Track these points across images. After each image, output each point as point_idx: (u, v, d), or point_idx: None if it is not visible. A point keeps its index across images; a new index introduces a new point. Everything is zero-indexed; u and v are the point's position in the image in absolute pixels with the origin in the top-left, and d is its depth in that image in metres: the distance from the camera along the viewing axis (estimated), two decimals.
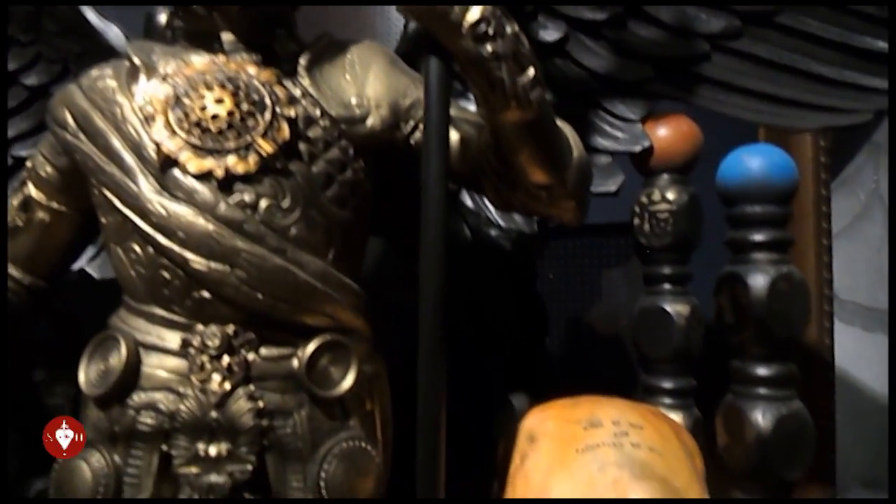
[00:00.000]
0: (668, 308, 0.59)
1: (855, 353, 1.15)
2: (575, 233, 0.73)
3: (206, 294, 0.42)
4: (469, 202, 0.63)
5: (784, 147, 0.74)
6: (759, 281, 0.50)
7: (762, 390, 0.50)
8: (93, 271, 0.63)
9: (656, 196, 0.61)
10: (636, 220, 0.62)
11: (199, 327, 0.42)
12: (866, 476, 1.13)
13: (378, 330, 0.49)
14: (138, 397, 0.42)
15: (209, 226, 0.41)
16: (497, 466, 0.53)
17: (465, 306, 0.70)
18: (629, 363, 0.64)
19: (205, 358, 0.42)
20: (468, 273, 0.66)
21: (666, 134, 0.61)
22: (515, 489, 0.50)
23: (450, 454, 0.76)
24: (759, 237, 0.51)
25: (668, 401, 0.59)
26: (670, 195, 0.61)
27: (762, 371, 0.51)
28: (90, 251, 0.61)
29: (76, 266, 0.60)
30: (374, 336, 0.50)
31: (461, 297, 0.70)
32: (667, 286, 0.61)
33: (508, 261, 0.64)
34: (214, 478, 0.41)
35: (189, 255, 0.41)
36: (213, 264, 0.41)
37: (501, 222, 0.63)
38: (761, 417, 0.49)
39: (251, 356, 0.43)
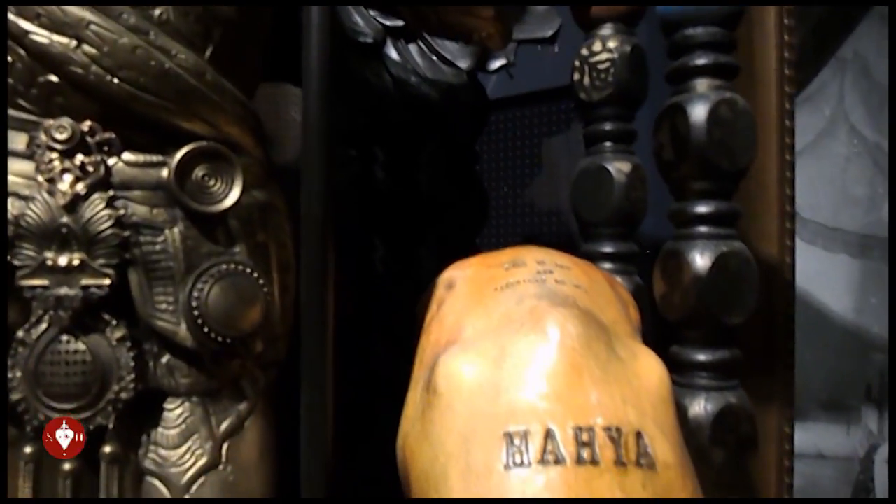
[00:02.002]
0: (608, 166, 0.55)
1: (816, 274, 1.12)
2: (513, 103, 0.68)
3: (52, 78, 0.36)
4: (394, 54, 0.58)
5: (747, 55, 0.70)
6: (699, 108, 0.45)
7: (702, 228, 0.46)
8: None
9: (597, 47, 0.56)
10: (576, 75, 0.57)
11: (49, 122, 0.36)
12: (824, 397, 1.11)
13: None
14: None
15: None
16: (416, 323, 0.49)
17: (392, 175, 0.65)
18: (570, 236, 0.60)
19: (54, 156, 0.36)
20: (392, 129, 0.60)
21: None
22: (430, 337, 0.45)
23: (384, 343, 0.71)
24: (700, 61, 0.46)
25: (608, 266, 0.55)
26: (612, 44, 0.56)
27: (702, 208, 0.46)
28: None
29: None
30: (270, 163, 0.44)
31: (390, 165, 0.65)
32: (608, 144, 0.56)
33: (438, 117, 0.58)
34: (65, 291, 0.36)
35: (27, 25, 0.35)
36: (55, 37, 0.35)
37: (428, 74, 0.57)
38: (699, 257, 0.45)
39: (112, 160, 0.37)
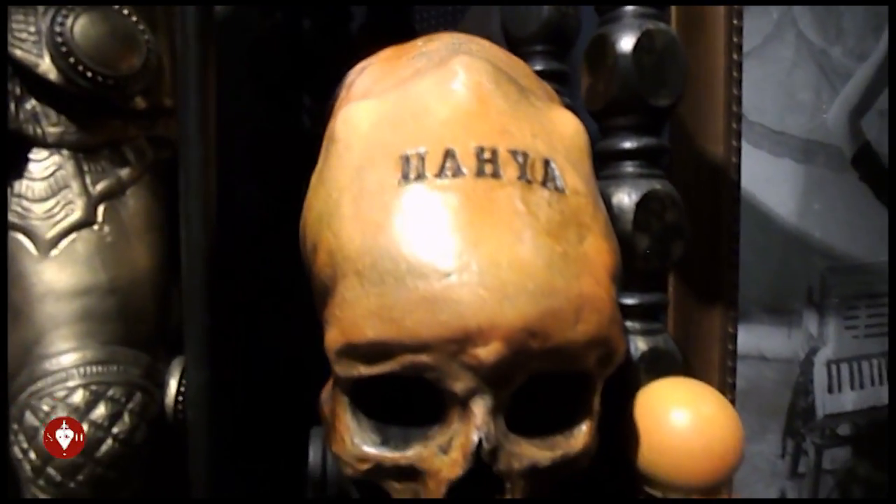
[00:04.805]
0: None
1: (762, 177, 1.12)
2: None
3: None
4: None
5: None
6: None
7: (628, 8, 0.43)
8: None
9: None
10: None
11: None
12: (766, 300, 1.12)
13: None
14: None
15: None
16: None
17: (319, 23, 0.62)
18: None
19: None
20: None
21: None
22: (336, 119, 0.41)
23: None
24: None
25: None
26: None
27: None
28: None
29: None
30: None
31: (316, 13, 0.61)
32: None
33: None
34: None
35: None
36: None
37: None
38: (624, 36, 0.42)
39: None
